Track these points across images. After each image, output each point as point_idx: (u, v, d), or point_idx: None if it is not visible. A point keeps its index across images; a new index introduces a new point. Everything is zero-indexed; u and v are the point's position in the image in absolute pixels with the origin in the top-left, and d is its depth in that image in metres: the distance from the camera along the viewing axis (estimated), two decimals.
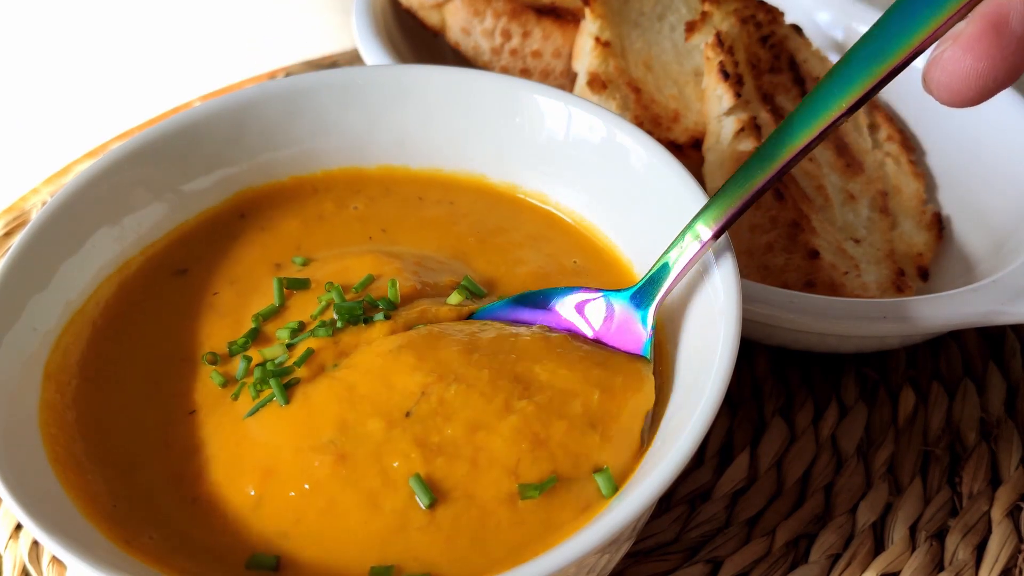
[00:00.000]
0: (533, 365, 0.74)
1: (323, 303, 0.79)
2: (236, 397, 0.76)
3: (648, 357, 0.77)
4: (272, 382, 0.74)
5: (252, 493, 0.71)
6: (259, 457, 0.72)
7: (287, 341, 0.78)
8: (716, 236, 0.74)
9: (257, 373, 0.76)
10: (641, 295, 0.78)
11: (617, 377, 0.75)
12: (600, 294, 0.80)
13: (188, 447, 0.74)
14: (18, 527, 0.88)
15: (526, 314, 0.81)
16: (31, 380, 0.75)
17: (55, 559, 0.86)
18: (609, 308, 0.80)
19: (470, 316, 0.81)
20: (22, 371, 0.75)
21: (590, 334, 0.80)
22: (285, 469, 0.71)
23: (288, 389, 0.74)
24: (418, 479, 0.69)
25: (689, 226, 0.75)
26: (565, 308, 0.81)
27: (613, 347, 0.79)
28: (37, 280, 0.79)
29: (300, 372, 0.76)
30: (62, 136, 1.38)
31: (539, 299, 0.82)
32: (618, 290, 0.79)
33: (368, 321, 0.78)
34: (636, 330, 0.78)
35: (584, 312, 0.80)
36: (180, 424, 0.76)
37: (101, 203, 0.84)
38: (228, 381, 0.78)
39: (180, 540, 0.69)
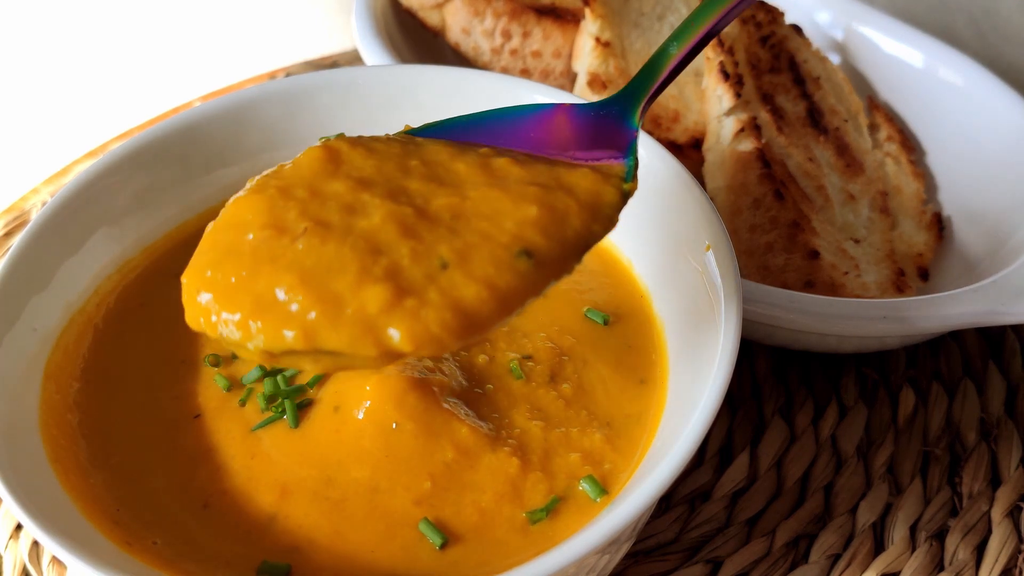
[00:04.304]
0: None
1: None
2: (244, 403, 0.76)
3: (630, 159, 0.70)
4: (286, 403, 0.74)
5: (268, 507, 0.71)
6: (275, 475, 0.72)
7: None
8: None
9: (268, 386, 0.76)
10: (622, 101, 0.74)
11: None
12: (571, 106, 0.75)
13: (196, 453, 0.74)
14: (18, 527, 0.88)
15: (485, 135, 0.73)
16: (31, 380, 0.75)
17: (55, 559, 0.86)
18: (580, 119, 0.74)
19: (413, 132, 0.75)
20: (22, 371, 0.75)
21: (558, 151, 0.72)
22: (302, 492, 0.71)
23: (300, 410, 0.75)
24: (427, 522, 0.69)
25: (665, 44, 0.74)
26: (529, 126, 0.74)
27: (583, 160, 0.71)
28: (37, 280, 0.79)
29: (312, 393, 0.76)
30: (62, 136, 1.38)
31: (499, 119, 0.74)
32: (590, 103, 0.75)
33: None
34: (619, 136, 0.73)
35: (552, 129, 0.74)
36: (186, 428, 0.75)
37: (101, 203, 0.84)
38: (232, 385, 0.78)
39: (186, 544, 0.69)
